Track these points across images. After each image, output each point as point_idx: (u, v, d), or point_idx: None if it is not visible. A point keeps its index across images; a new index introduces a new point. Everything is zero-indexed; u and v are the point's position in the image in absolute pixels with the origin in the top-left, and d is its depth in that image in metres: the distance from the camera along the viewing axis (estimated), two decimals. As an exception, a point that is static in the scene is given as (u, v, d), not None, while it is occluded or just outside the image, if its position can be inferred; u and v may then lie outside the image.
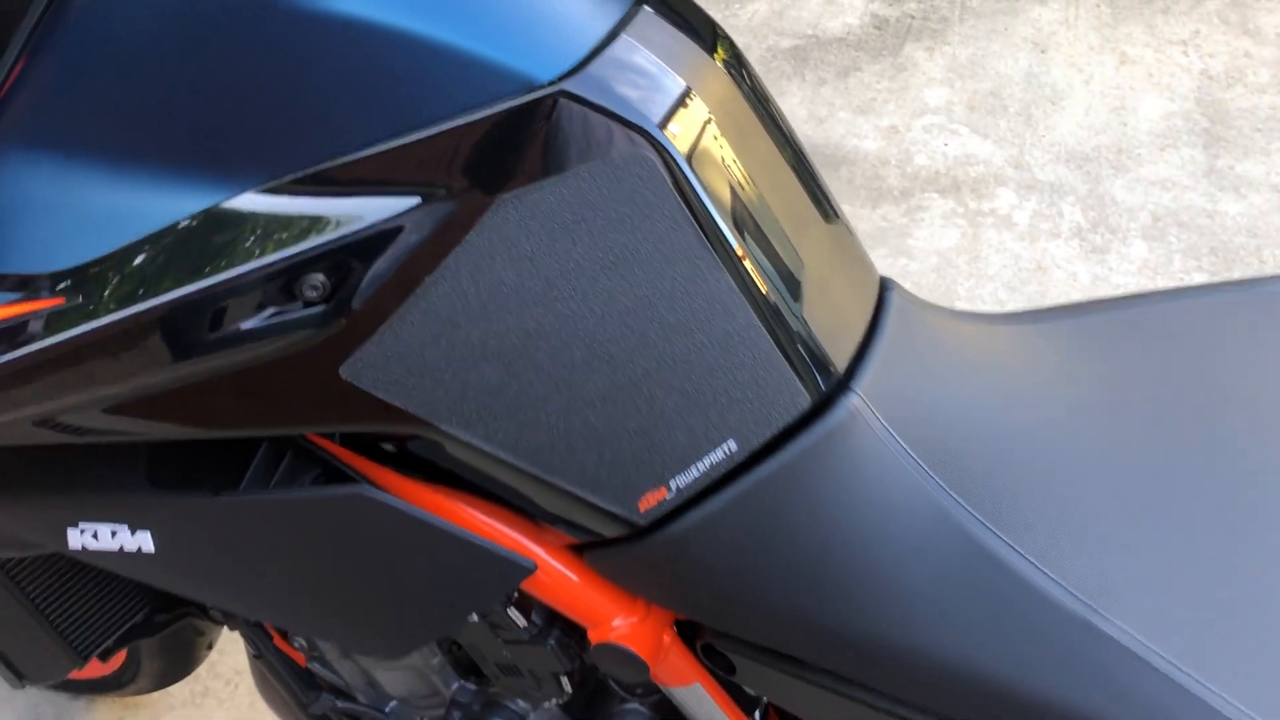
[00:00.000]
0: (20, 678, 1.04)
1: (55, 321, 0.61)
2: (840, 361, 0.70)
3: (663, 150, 0.62)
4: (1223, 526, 0.68)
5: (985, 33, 2.92)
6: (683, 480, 0.68)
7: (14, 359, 0.61)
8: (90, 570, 1.03)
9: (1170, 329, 0.80)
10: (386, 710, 1.04)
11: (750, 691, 0.83)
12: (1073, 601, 0.64)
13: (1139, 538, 0.68)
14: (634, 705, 0.95)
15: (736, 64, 0.72)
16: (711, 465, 0.68)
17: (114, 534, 0.77)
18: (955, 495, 0.68)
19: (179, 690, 1.64)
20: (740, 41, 3.04)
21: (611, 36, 0.63)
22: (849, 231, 0.78)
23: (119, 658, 1.46)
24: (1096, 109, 2.63)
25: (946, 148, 2.58)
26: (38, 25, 0.63)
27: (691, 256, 0.64)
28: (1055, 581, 0.65)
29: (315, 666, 1.05)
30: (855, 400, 0.69)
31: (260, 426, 0.68)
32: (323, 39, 0.60)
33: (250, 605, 0.82)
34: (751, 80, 0.73)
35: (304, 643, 1.01)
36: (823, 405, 0.69)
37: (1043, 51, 2.85)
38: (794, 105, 2.80)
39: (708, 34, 0.70)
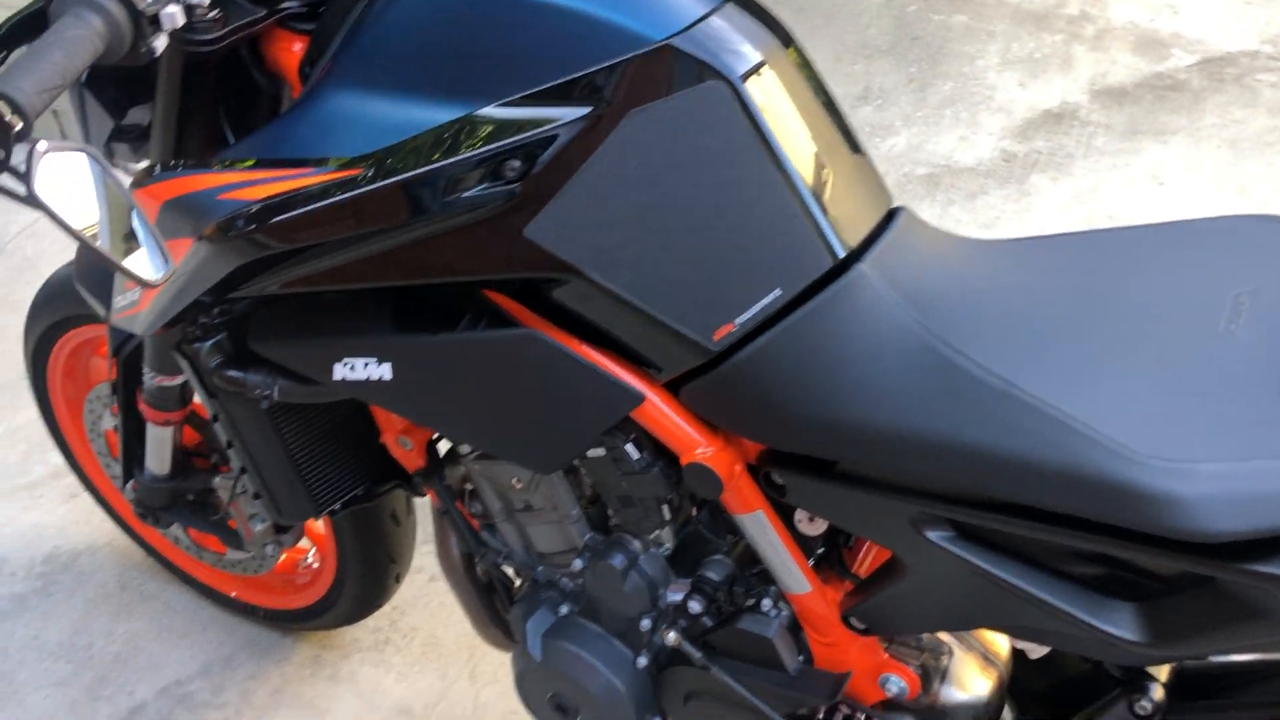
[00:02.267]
0: (279, 512, 1.40)
1: (355, 183, 1.00)
2: (853, 240, 1.04)
3: (732, 84, 0.98)
4: (1113, 355, 0.97)
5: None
6: (744, 317, 1.01)
7: (332, 202, 1.00)
8: (331, 438, 1.40)
9: (1122, 251, 1.09)
10: (536, 570, 1.37)
11: (793, 504, 1.12)
12: (997, 380, 0.94)
13: (1052, 344, 0.97)
14: (720, 557, 1.25)
15: (797, 49, 1.08)
16: (764, 306, 1.01)
17: (365, 365, 1.14)
18: (927, 325, 0.99)
19: (365, 638, 1.99)
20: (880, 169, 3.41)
21: (704, 17, 1.00)
22: (870, 164, 1.12)
23: (326, 581, 1.82)
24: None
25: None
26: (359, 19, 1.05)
27: (750, 157, 0.99)
28: (984, 368, 0.95)
29: (485, 534, 1.39)
30: (864, 267, 1.02)
31: (463, 274, 1.04)
32: (531, 18, 1.00)
33: (450, 426, 1.18)
34: (808, 64, 1.09)
35: (480, 508, 1.35)
36: (841, 269, 1.02)
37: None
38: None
39: (778, 28, 1.07)
